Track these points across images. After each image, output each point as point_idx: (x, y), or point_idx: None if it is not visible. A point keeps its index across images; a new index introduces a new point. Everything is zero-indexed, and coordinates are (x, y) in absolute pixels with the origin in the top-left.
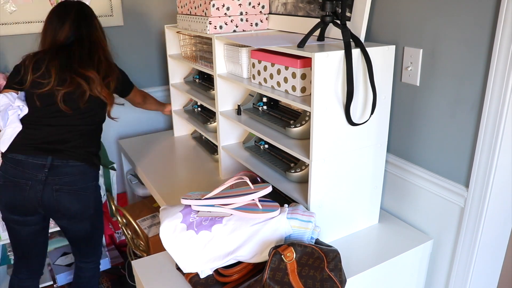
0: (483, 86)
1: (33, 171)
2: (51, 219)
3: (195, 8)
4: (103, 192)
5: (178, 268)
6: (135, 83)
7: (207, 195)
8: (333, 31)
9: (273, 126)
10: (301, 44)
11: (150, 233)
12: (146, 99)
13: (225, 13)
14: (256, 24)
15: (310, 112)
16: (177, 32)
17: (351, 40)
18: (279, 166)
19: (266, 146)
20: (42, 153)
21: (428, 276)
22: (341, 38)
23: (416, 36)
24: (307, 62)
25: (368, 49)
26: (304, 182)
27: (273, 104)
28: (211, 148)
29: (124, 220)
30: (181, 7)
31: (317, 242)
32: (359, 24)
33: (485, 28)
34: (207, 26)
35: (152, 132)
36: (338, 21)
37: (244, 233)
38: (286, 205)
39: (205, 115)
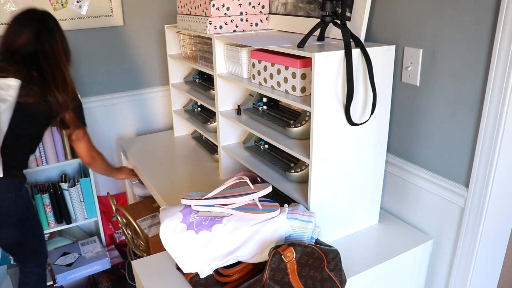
0: (483, 86)
1: None
2: None
3: (195, 8)
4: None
5: (178, 268)
6: (136, 83)
7: (207, 195)
8: (333, 31)
9: (273, 126)
10: (301, 44)
11: (150, 233)
12: (95, 158)
13: (225, 13)
14: (256, 24)
15: (310, 112)
16: (177, 32)
17: (351, 40)
18: (279, 166)
19: (266, 146)
20: None
21: (428, 276)
22: (341, 38)
23: (416, 36)
24: (307, 62)
25: (368, 49)
26: (304, 182)
27: (273, 104)
28: (211, 148)
29: (124, 220)
30: (181, 7)
31: (317, 242)
32: (359, 24)
33: (485, 28)
34: (207, 26)
35: (152, 132)
36: (338, 21)
37: (244, 233)
38: (286, 205)
39: (205, 115)
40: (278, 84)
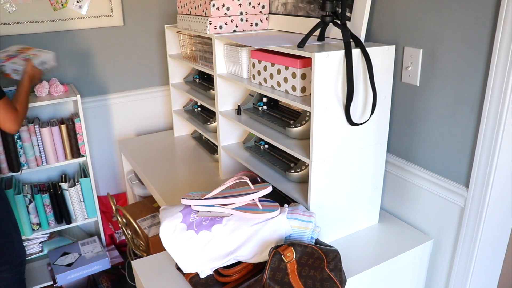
0: (483, 86)
1: None
2: None
3: (195, 8)
4: None
5: (178, 268)
6: (136, 83)
7: (207, 195)
8: (333, 31)
9: (273, 126)
10: (301, 44)
11: (150, 233)
12: (18, 120)
13: (225, 13)
14: (256, 24)
15: (310, 112)
16: (177, 32)
17: (351, 40)
18: (279, 166)
19: (266, 146)
20: None
21: (428, 276)
22: (341, 38)
23: (416, 36)
24: (307, 62)
25: (368, 49)
26: (304, 182)
27: (273, 104)
28: (211, 148)
29: (124, 220)
30: (181, 7)
31: (317, 242)
32: (359, 24)
33: (485, 28)
34: (207, 26)
35: (152, 132)
36: (338, 21)
37: (244, 233)
38: (286, 205)
39: (205, 115)
40: (278, 84)
